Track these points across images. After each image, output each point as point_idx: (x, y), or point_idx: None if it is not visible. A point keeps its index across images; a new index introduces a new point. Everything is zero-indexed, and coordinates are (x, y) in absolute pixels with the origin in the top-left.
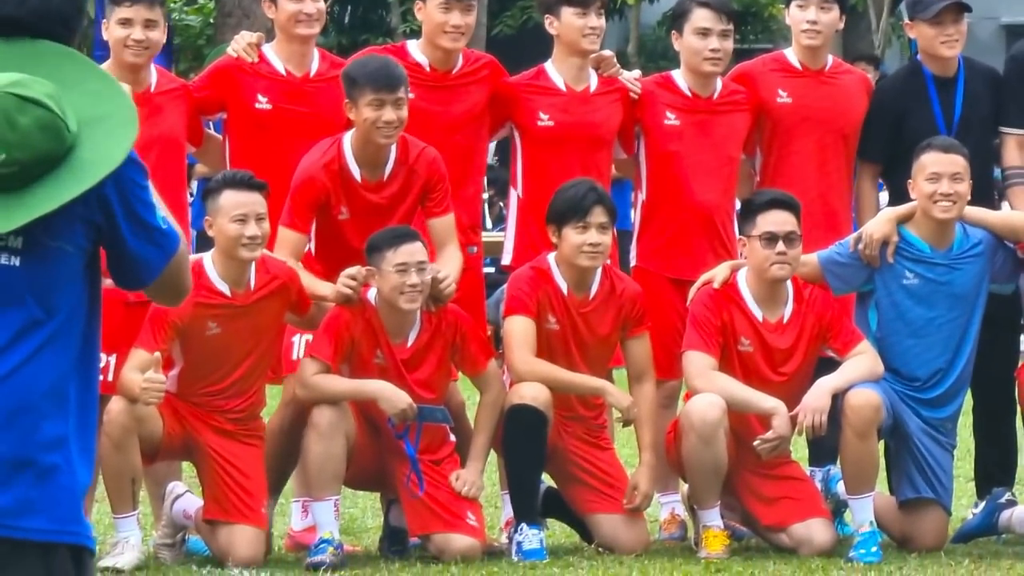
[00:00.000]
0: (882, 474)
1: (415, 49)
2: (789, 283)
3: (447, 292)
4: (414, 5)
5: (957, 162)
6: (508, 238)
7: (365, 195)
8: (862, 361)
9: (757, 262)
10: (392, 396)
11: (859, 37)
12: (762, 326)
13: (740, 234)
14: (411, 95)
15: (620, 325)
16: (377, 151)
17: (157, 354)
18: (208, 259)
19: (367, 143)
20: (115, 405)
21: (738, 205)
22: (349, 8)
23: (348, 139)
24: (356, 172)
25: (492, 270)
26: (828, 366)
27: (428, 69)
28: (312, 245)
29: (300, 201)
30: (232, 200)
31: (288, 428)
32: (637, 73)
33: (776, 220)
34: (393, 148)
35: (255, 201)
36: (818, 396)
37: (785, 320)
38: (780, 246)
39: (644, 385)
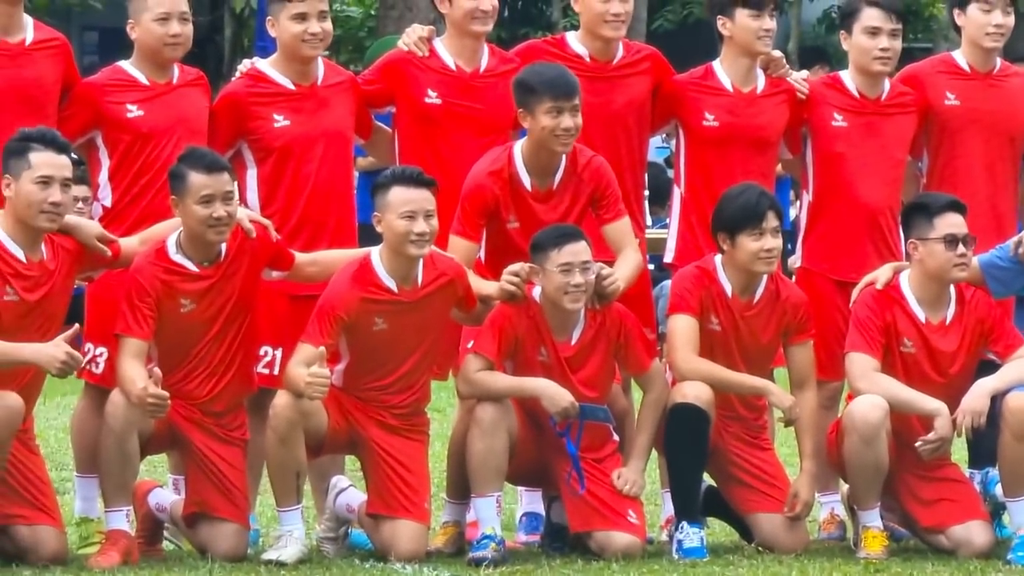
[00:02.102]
0: None
1: (574, 40)
2: (952, 285)
3: (611, 290)
4: None
5: None
6: (670, 236)
7: (534, 204)
8: (1022, 364)
9: (938, 264)
10: (554, 394)
11: (1019, 37)
12: (925, 327)
13: (910, 236)
14: None
15: (782, 331)
16: (550, 159)
17: (323, 349)
18: (376, 254)
19: (541, 151)
20: (280, 399)
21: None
22: (509, 2)
23: (519, 147)
24: (526, 181)
25: (652, 267)
26: (987, 368)
27: (588, 60)
28: (482, 253)
29: (470, 209)
30: (401, 196)
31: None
32: (805, 73)
33: (955, 223)
34: (564, 157)
35: (424, 198)
36: (977, 397)
37: (948, 322)
38: (961, 248)
39: (806, 392)
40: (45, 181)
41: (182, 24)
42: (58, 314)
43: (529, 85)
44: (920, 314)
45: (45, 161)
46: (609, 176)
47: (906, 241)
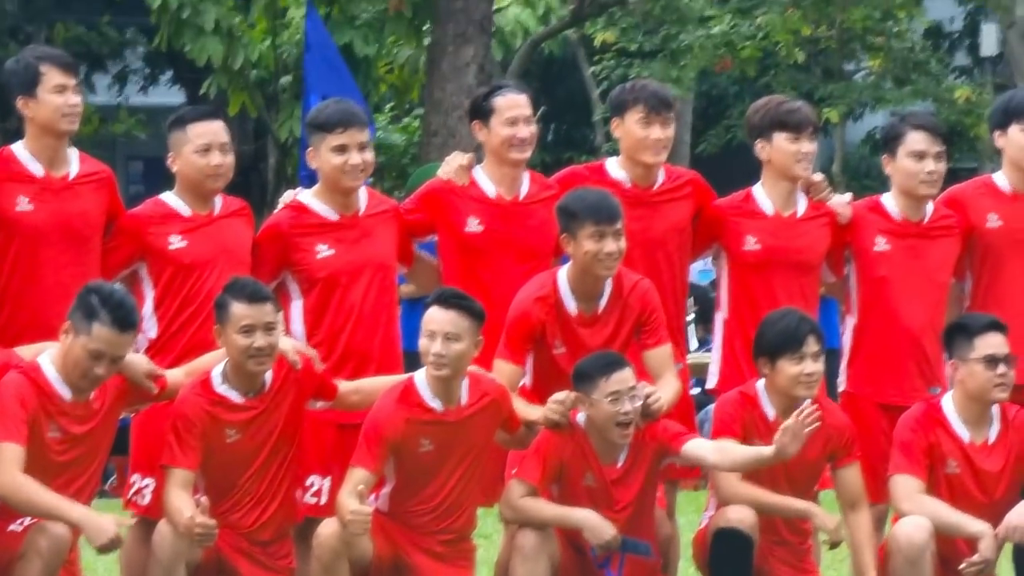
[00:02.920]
0: None
1: (614, 166)
2: (994, 405)
3: (656, 408)
4: (611, 123)
5: None
6: (714, 360)
7: (580, 329)
8: None
9: (979, 384)
10: (597, 525)
11: None
12: (969, 448)
13: (951, 357)
14: None
15: (827, 454)
16: (595, 284)
17: (372, 473)
18: (419, 376)
19: (586, 275)
20: (325, 529)
21: None
22: (553, 126)
23: (564, 273)
24: (572, 306)
25: (698, 391)
26: None
27: (629, 186)
28: (529, 379)
29: (515, 334)
30: (434, 317)
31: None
32: (848, 197)
33: (995, 343)
34: (609, 281)
35: (452, 320)
36: (1022, 515)
37: (991, 442)
38: (1001, 368)
39: (859, 514)
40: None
41: (223, 155)
42: (102, 448)
43: (571, 210)
44: (964, 435)
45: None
46: (655, 300)
47: (948, 362)
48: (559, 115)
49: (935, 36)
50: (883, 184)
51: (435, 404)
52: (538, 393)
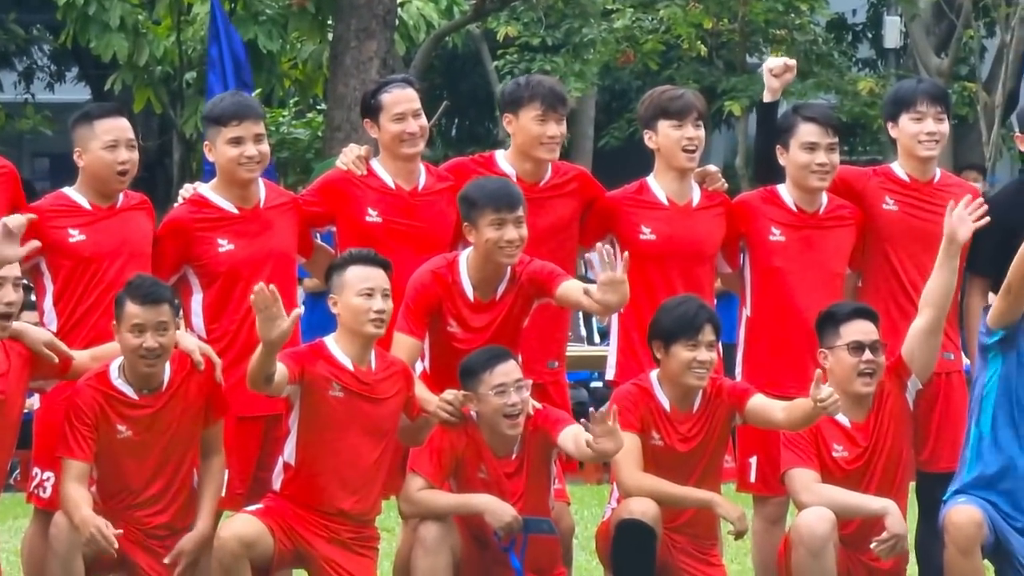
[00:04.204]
0: None
1: (502, 160)
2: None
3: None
4: (504, 118)
5: None
6: (611, 352)
7: (476, 313)
8: None
9: (844, 371)
10: (497, 508)
11: (969, 148)
12: (852, 431)
13: (822, 346)
14: None
15: (728, 421)
16: (496, 271)
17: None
18: (331, 339)
19: (487, 263)
20: (224, 532)
21: None
22: (456, 120)
23: (465, 258)
24: (469, 291)
25: (600, 384)
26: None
27: (515, 180)
28: (427, 362)
29: (415, 306)
30: (370, 275)
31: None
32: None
33: (862, 330)
34: (508, 268)
35: (384, 277)
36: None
37: (862, 421)
38: (867, 355)
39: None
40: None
41: (130, 151)
42: (13, 420)
43: (472, 199)
44: (844, 421)
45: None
46: (543, 266)
47: (819, 351)
48: (462, 110)
49: (838, 29)
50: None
51: (346, 363)
52: (434, 375)
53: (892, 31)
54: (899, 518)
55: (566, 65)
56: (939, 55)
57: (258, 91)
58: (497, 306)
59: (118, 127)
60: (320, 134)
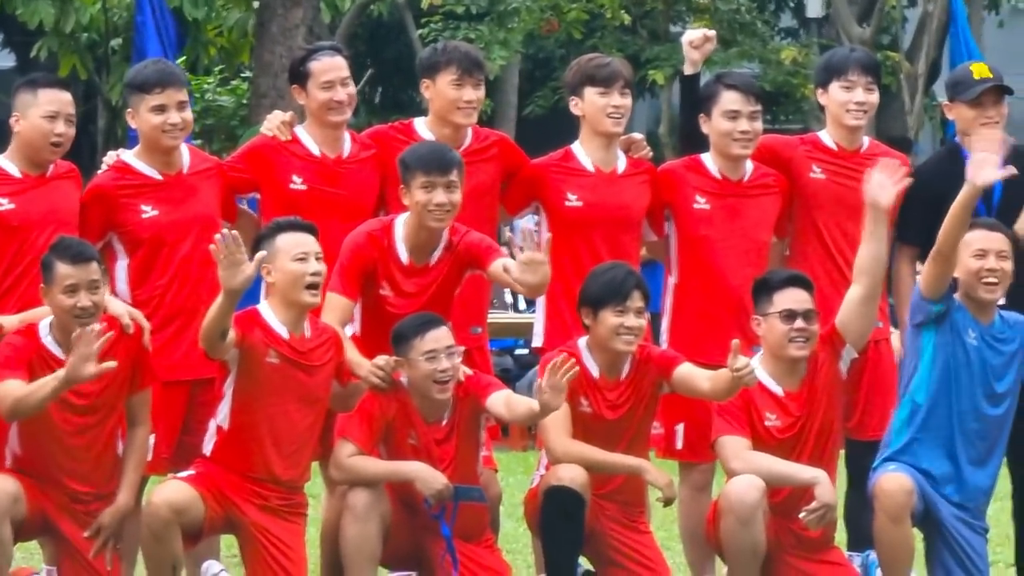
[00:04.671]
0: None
1: (422, 126)
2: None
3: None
4: (422, 84)
5: (1002, 240)
6: (538, 319)
7: (409, 278)
8: None
9: (776, 339)
10: (428, 476)
11: (892, 117)
12: (785, 399)
13: (756, 313)
14: None
15: (656, 389)
16: (429, 236)
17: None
18: (265, 305)
19: (420, 227)
20: (156, 498)
21: None
22: (380, 89)
23: (400, 221)
24: (403, 255)
25: (526, 351)
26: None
27: None
28: (357, 326)
29: (349, 267)
30: (301, 240)
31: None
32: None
33: (795, 298)
34: (445, 234)
35: (314, 241)
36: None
37: (796, 390)
38: (800, 323)
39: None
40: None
41: (68, 125)
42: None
43: (406, 162)
44: (776, 389)
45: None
46: (481, 238)
47: (753, 318)
48: (386, 78)
49: None
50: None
51: (282, 331)
52: (365, 339)
53: (814, 1)
54: (829, 488)
55: (490, 33)
56: (861, 24)
57: (183, 59)
58: (431, 272)
59: (60, 99)
60: (245, 101)
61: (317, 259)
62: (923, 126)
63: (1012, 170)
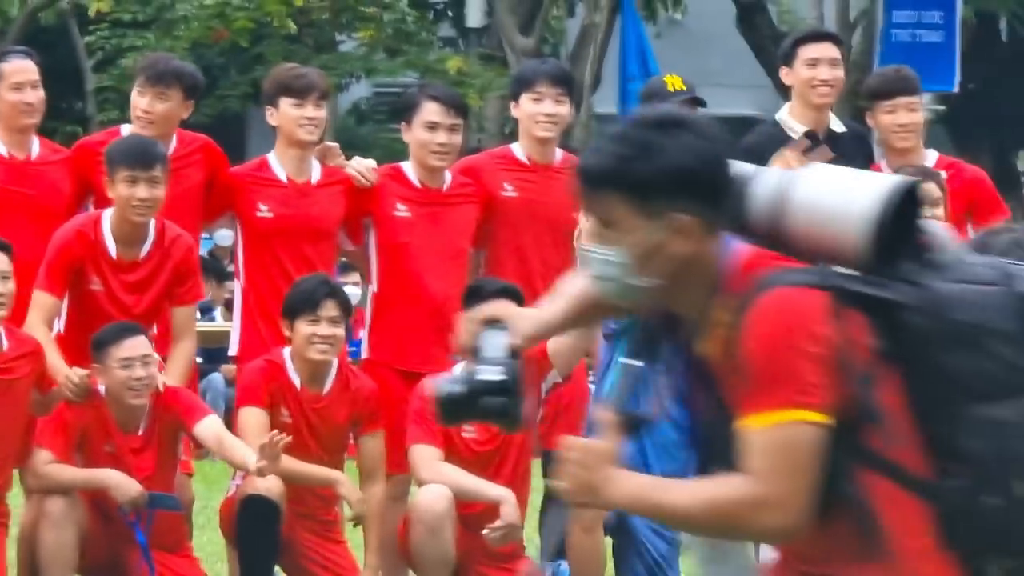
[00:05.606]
0: None
1: (127, 131)
2: None
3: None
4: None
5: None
6: (234, 328)
7: (118, 273)
8: None
9: None
10: (123, 483)
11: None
12: None
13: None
14: None
15: (353, 420)
16: (134, 230)
17: None
18: None
19: (123, 221)
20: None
21: None
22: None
23: (108, 215)
24: (112, 248)
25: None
26: None
27: None
28: (62, 323)
29: (55, 264)
30: None
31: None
32: (371, 163)
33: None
34: (152, 230)
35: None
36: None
37: None
38: None
39: (374, 486)
40: None
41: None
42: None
43: (110, 156)
44: None
45: None
46: (195, 260)
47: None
48: (49, 85)
49: (422, 7)
50: (366, 153)
51: None
52: (69, 336)
53: (474, 10)
54: (514, 508)
55: (157, 41)
56: (524, 34)
57: None
58: (140, 266)
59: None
60: None
61: (3, 278)
62: (592, 136)
63: None
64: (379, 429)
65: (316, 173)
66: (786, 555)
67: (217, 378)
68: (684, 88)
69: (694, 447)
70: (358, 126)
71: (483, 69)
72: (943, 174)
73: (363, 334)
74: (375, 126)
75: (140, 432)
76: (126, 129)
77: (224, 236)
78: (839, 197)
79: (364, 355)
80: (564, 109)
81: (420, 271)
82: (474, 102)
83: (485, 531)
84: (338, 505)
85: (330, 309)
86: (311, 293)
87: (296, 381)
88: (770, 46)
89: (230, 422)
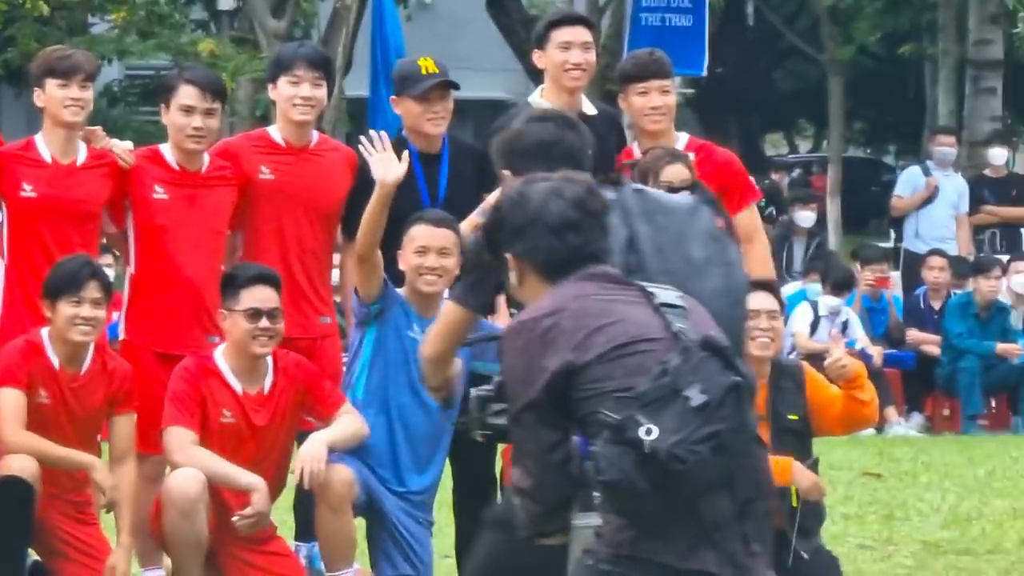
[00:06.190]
0: None
1: None
2: (269, 356)
3: None
4: None
5: (447, 236)
6: None
7: None
8: (350, 420)
9: (240, 336)
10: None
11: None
12: (243, 399)
13: (222, 307)
14: None
15: (109, 401)
16: None
17: None
18: None
19: None
20: None
21: None
22: None
23: None
24: None
25: None
26: None
27: None
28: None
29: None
30: None
31: None
32: (128, 145)
33: (261, 296)
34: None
35: None
36: (314, 447)
37: (265, 392)
38: (264, 322)
39: (125, 466)
40: None
41: None
42: None
43: None
44: (236, 386)
45: None
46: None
47: (220, 312)
48: None
49: None
50: (118, 135)
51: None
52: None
53: None
54: (264, 496)
55: None
56: (276, 17)
57: None
58: None
59: None
60: None
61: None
62: (342, 118)
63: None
64: (132, 410)
65: (82, 155)
66: None
67: None
68: (437, 71)
69: None
70: (110, 108)
71: (235, 52)
72: (692, 156)
73: (118, 316)
74: (128, 109)
75: None
76: None
77: None
78: None
79: (121, 336)
80: (321, 92)
81: (177, 253)
82: (226, 84)
83: (235, 518)
84: (90, 486)
85: (93, 291)
86: (74, 274)
87: (55, 362)
88: (520, 30)
89: None
